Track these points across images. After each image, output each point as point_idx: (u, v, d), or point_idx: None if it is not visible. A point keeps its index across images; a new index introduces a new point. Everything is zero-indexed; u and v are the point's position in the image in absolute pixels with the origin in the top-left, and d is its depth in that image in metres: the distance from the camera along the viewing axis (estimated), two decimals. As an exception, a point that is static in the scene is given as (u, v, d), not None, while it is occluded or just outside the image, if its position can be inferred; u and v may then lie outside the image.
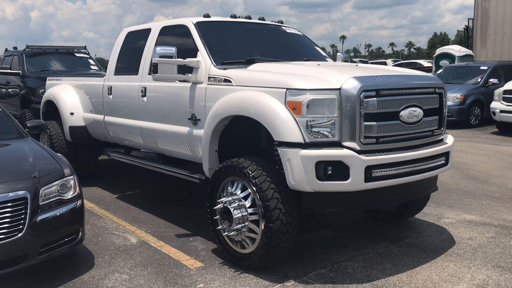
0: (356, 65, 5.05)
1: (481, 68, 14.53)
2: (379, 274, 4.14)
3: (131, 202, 6.39)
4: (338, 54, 6.27)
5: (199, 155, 4.83)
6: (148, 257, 4.55)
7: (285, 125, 3.85)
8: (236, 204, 4.12)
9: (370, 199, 4.09)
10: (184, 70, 4.83)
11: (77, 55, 11.86)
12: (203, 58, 4.83)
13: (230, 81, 4.47)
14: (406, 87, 4.15)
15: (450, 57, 19.58)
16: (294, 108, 3.85)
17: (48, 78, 8.44)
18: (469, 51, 20.44)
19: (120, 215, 5.87)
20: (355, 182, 3.80)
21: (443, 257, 4.50)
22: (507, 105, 11.99)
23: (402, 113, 4.07)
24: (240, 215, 4.08)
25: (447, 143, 4.57)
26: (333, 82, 3.89)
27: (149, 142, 5.68)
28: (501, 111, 12.12)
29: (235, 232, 4.12)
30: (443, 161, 4.51)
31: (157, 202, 6.41)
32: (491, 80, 14.01)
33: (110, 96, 6.35)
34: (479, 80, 14.21)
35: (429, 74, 4.69)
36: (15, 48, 12.26)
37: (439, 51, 20.87)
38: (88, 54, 12.16)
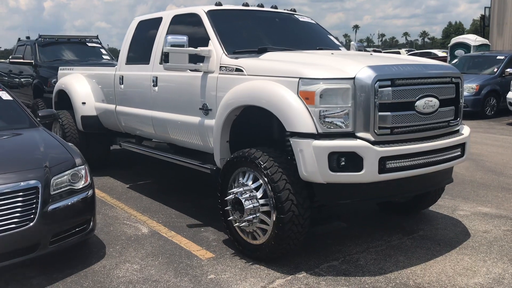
0: (371, 54, 4.95)
1: (498, 57, 14.26)
2: (392, 266, 4.08)
3: (142, 192, 6.38)
4: (352, 43, 6.17)
5: (211, 145, 4.78)
6: (159, 247, 4.54)
7: (298, 115, 3.79)
8: (247, 195, 4.07)
9: (383, 190, 4.02)
10: (196, 59, 4.78)
11: (89, 44, 11.86)
12: (215, 47, 4.77)
13: (242, 70, 4.40)
14: (422, 77, 4.05)
15: (465, 46, 19.24)
16: (307, 98, 3.78)
17: (60, 67, 8.44)
18: (485, 41, 20.07)
19: (132, 204, 5.86)
20: (368, 173, 3.73)
21: (457, 250, 4.43)
22: (524, 96, 11.76)
23: (417, 103, 3.98)
24: (251, 206, 4.03)
25: (463, 134, 4.48)
26: (347, 71, 3.81)
27: (161, 132, 5.65)
28: (518, 102, 11.89)
29: (246, 223, 4.08)
30: (459, 153, 4.42)
31: (169, 192, 6.39)
32: (508, 70, 13.74)
33: (122, 86, 6.32)
34: (495, 70, 13.95)
35: (445, 63, 4.58)
36: (28, 37, 12.31)
37: (454, 40, 20.53)
38: (100, 43, 12.16)
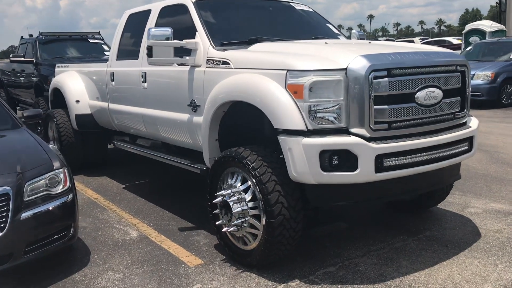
0: (369, 42, 4.60)
1: (514, 43, 13.69)
2: (393, 272, 3.76)
3: (137, 193, 6.15)
4: (353, 31, 5.81)
5: (200, 144, 4.50)
6: (146, 253, 4.28)
7: (285, 110, 3.48)
8: (235, 198, 3.79)
9: (382, 190, 3.70)
10: (182, 52, 4.49)
11: (91, 41, 11.65)
12: (201, 39, 4.48)
13: (229, 63, 4.10)
14: (423, 65, 3.70)
15: (480, 33, 18.61)
16: (295, 91, 3.47)
17: (57, 65, 8.24)
18: (501, 26, 19.40)
19: (125, 206, 5.63)
20: (364, 172, 3.41)
21: (466, 253, 4.08)
22: (542, 83, 11.23)
23: (418, 94, 3.63)
24: (240, 209, 3.75)
25: (470, 127, 4.12)
26: (338, 61, 3.48)
27: (152, 131, 5.39)
28: (536, 89, 11.36)
29: (235, 227, 3.80)
30: (466, 147, 4.06)
31: (165, 192, 6.15)
32: (525, 56, 13.19)
33: (113, 83, 6.08)
34: (511, 56, 13.38)
35: (450, 50, 4.22)
36: (30, 35, 12.15)
37: (468, 27, 19.89)
38: (102, 39, 11.94)
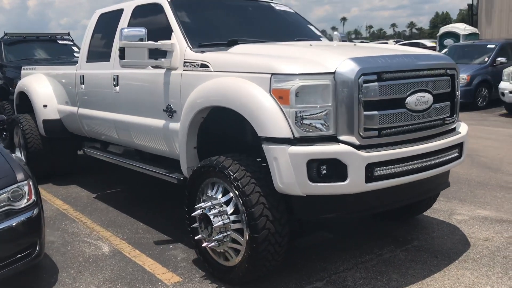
0: (355, 44, 4.41)
1: (488, 46, 13.81)
2: (384, 287, 3.56)
3: (110, 203, 5.81)
4: (335, 33, 5.62)
5: (177, 152, 4.22)
6: (119, 270, 3.98)
7: (270, 117, 3.24)
8: (216, 210, 3.53)
9: (372, 201, 3.50)
10: (157, 54, 4.20)
11: (60, 42, 11.18)
12: (178, 40, 4.20)
13: (208, 66, 3.84)
14: (413, 69, 3.52)
15: (454, 36, 18.79)
16: (281, 96, 3.23)
17: (23, 67, 7.81)
18: (474, 29, 19.64)
19: (96, 218, 5.29)
20: (354, 183, 3.20)
21: (457, 264, 3.92)
22: (517, 85, 11.31)
23: (408, 99, 3.45)
24: (221, 223, 3.49)
25: (460, 133, 3.96)
26: (326, 65, 3.27)
27: (124, 137, 5.08)
28: (511, 92, 11.44)
29: (216, 242, 3.54)
30: (456, 154, 3.91)
31: (140, 202, 5.82)
32: (499, 59, 13.30)
33: (83, 86, 5.73)
34: (486, 59, 13.50)
35: (438, 53, 4.06)
36: (-4, 36, 11.59)
37: (443, 29, 20.08)
38: (72, 41, 11.48)
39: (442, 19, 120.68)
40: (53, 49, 11.01)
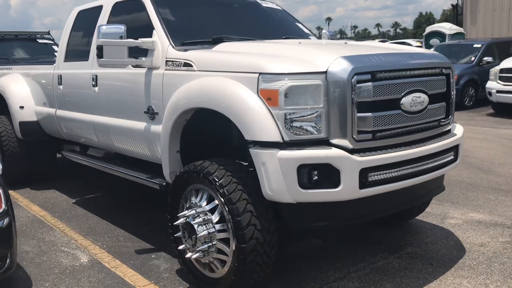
0: (345, 43, 4.23)
1: (475, 46, 13.77)
2: (378, 298, 3.39)
3: (89, 208, 5.54)
4: (324, 31, 5.43)
5: (159, 155, 4.00)
6: (98, 283, 3.74)
7: (258, 120, 3.03)
8: (200, 219, 3.32)
9: (365, 208, 3.31)
10: (138, 53, 3.98)
11: (40, 41, 10.79)
12: (160, 38, 3.97)
13: (191, 65, 3.62)
14: (408, 68, 3.34)
15: (440, 35, 18.80)
16: (269, 98, 3.03)
17: (-1, 67, 7.48)
18: (460, 29, 19.69)
19: (75, 225, 5.03)
20: (347, 189, 3.01)
21: (453, 272, 3.76)
22: (504, 85, 11.28)
23: (403, 100, 3.27)
24: (205, 232, 3.28)
25: (456, 135, 3.80)
26: (317, 64, 3.07)
27: (104, 140, 4.83)
28: (498, 91, 11.41)
29: (201, 253, 3.32)
30: (452, 157, 3.74)
31: (121, 207, 5.57)
32: (485, 58, 13.27)
33: (61, 87, 5.46)
34: (472, 58, 13.46)
35: (433, 52, 3.89)
36: (-27, 35, 11.18)
37: (429, 29, 20.09)
38: (53, 40, 11.10)
39: (426, 19, 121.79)
40: (32, 48, 10.63)
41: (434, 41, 18.31)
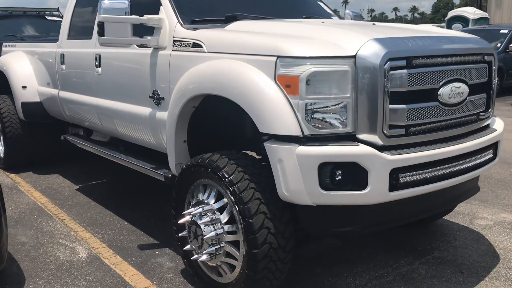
0: (373, 24, 3.80)
1: (501, 31, 13.13)
2: (404, 312, 3.03)
3: (92, 196, 5.24)
4: (347, 11, 4.99)
5: (165, 144, 3.65)
6: (95, 282, 3.43)
7: (275, 110, 2.66)
8: (208, 219, 2.97)
9: (395, 212, 2.93)
10: (143, 31, 3.60)
11: (49, 18, 10.46)
12: (167, 15, 3.59)
13: (201, 46, 3.24)
14: (448, 54, 2.92)
15: (463, 20, 18.07)
16: (288, 85, 2.65)
17: (3, 44, 7.17)
18: (484, 14, 18.92)
19: (75, 215, 4.73)
20: (375, 192, 2.63)
21: (487, 283, 3.38)
22: (532, 73, 10.70)
23: (441, 90, 2.86)
24: (213, 233, 2.93)
25: (496, 130, 3.38)
26: (345, 46, 2.67)
27: (107, 125, 4.49)
28: (525, 80, 10.84)
29: (207, 255, 2.98)
30: (491, 155, 3.34)
31: (126, 196, 5.26)
32: (512, 45, 12.66)
33: (63, 66, 5.12)
34: (498, 45, 12.83)
35: (473, 36, 3.46)
36: (-20, 11, 10.88)
37: (451, 13, 19.34)
38: (62, 17, 10.76)
39: (444, 4, 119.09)
40: (41, 25, 10.30)
41: (457, 26, 17.60)
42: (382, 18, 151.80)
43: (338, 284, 3.37)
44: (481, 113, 3.24)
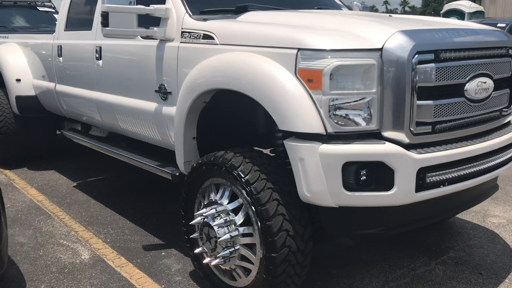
0: (390, 15, 3.64)
1: (499, 25, 13.02)
2: (426, 316, 2.91)
3: (92, 193, 5.06)
4: (355, 3, 4.81)
5: (172, 142, 3.48)
6: (101, 285, 3.27)
7: (296, 106, 2.50)
8: (221, 220, 2.82)
9: (419, 213, 2.79)
10: (149, 22, 3.42)
11: (41, 9, 10.18)
12: (175, 4, 3.40)
13: (212, 38, 3.07)
14: (475, 47, 2.78)
15: (459, 13, 18.00)
16: (310, 79, 2.49)
17: (-5, 35, 6.92)
18: (480, 7, 18.88)
19: (75, 213, 4.55)
20: (402, 192, 2.49)
21: (508, 284, 3.27)
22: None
23: (468, 86, 2.72)
24: (227, 236, 2.78)
25: (517, 127, 3.26)
26: (370, 38, 2.52)
27: (108, 120, 4.31)
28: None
29: (221, 259, 2.83)
30: (513, 153, 3.21)
31: (127, 192, 5.09)
32: (510, 38, 12.56)
33: (60, 59, 4.92)
34: (496, 38, 12.73)
35: (496, 29, 3.33)
36: (-31, 1, 10.56)
37: (447, 7, 19.27)
38: (54, 8, 10.48)
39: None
40: (33, 16, 10.02)
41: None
42: (372, 11, 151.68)
43: (355, 286, 3.24)
44: (503, 109, 3.12)
